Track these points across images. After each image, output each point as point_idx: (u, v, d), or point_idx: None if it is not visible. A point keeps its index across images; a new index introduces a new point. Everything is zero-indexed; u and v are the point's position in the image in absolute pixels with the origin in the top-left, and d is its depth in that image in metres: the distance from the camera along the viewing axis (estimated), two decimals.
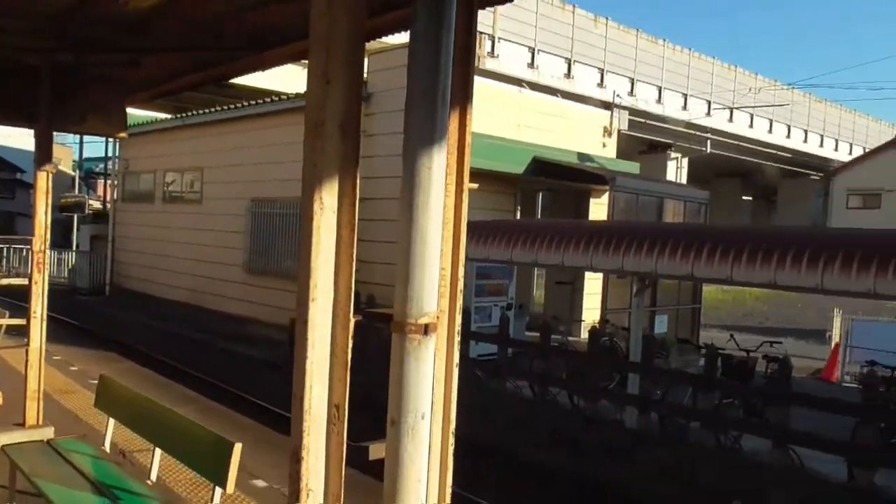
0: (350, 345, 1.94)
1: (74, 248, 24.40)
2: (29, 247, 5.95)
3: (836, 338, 15.16)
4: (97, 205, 29.23)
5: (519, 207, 14.22)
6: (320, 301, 1.92)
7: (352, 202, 1.96)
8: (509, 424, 8.91)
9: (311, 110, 1.94)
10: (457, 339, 2.12)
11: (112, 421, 4.73)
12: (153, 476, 4.20)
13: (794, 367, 8.28)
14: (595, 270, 10.24)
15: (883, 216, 30.89)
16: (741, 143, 28.59)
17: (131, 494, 3.79)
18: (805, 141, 32.94)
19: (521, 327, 12.36)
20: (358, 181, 1.97)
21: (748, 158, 30.51)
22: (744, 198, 41.96)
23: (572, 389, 9.30)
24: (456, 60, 1.93)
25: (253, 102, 14.85)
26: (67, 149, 38.44)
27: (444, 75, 1.87)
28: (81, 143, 33.41)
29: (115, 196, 21.32)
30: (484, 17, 18.35)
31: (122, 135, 5.16)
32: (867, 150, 36.41)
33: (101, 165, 34.93)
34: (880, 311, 17.96)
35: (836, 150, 35.82)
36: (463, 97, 2.10)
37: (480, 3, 2.26)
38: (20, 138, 28.73)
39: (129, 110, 5.69)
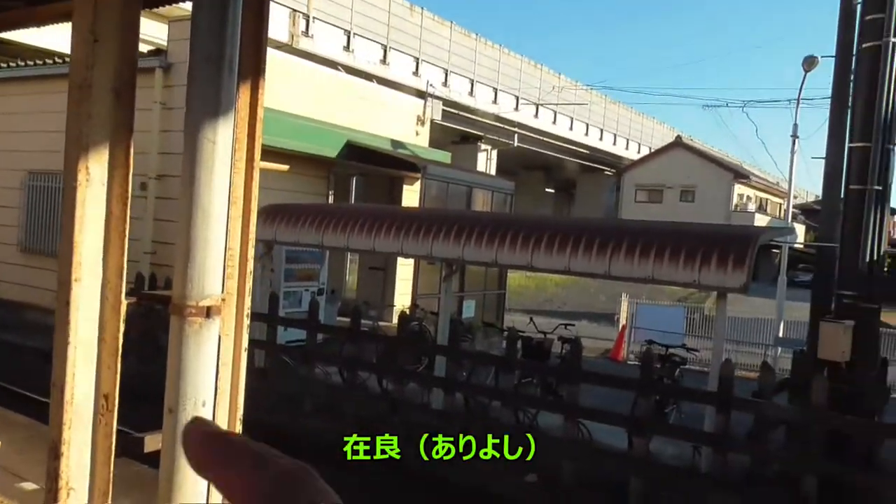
0: (122, 329, 1.78)
1: None
2: None
3: (622, 320, 16.65)
4: None
5: (332, 192, 14.07)
6: (85, 281, 1.74)
7: (125, 174, 1.79)
8: (316, 410, 8.82)
9: (76, 70, 1.74)
10: (246, 322, 2.01)
11: None
12: None
13: (586, 347, 8.97)
14: (406, 256, 10.39)
15: (665, 209, 34.50)
16: (545, 139, 30.37)
17: None
18: (601, 139, 35.71)
19: (332, 313, 12.25)
20: (132, 151, 1.80)
21: (551, 153, 32.52)
22: (547, 190, 44.69)
23: (381, 373, 9.39)
24: (246, 28, 1.82)
25: (33, 63, 13.30)
26: None
27: (232, 43, 1.75)
28: None
29: None
30: None
31: None
32: (652, 150, 40.35)
33: None
34: (661, 295, 20.04)
35: (626, 148, 39.21)
36: (254, 68, 1.98)
37: None
38: None
39: None
